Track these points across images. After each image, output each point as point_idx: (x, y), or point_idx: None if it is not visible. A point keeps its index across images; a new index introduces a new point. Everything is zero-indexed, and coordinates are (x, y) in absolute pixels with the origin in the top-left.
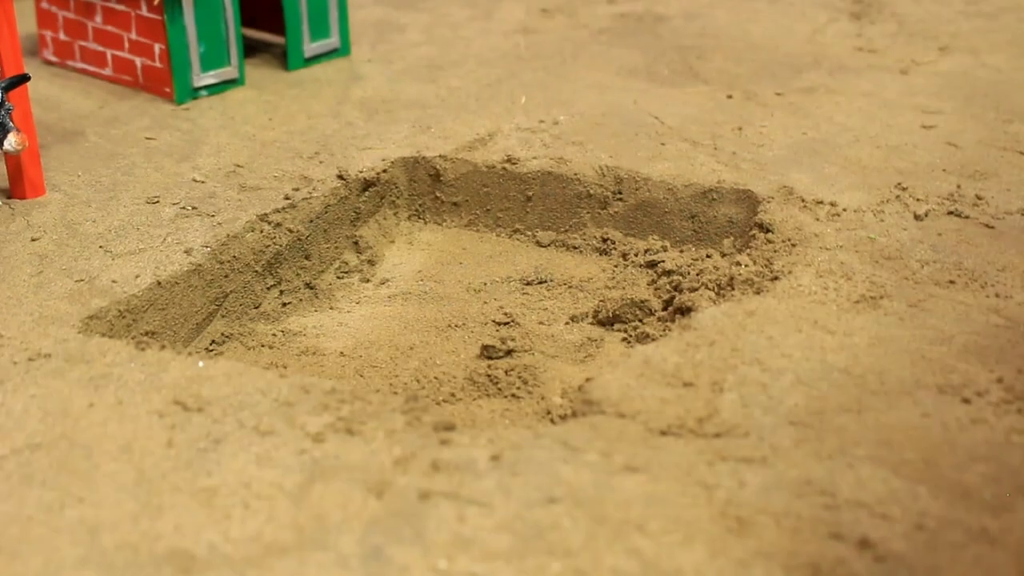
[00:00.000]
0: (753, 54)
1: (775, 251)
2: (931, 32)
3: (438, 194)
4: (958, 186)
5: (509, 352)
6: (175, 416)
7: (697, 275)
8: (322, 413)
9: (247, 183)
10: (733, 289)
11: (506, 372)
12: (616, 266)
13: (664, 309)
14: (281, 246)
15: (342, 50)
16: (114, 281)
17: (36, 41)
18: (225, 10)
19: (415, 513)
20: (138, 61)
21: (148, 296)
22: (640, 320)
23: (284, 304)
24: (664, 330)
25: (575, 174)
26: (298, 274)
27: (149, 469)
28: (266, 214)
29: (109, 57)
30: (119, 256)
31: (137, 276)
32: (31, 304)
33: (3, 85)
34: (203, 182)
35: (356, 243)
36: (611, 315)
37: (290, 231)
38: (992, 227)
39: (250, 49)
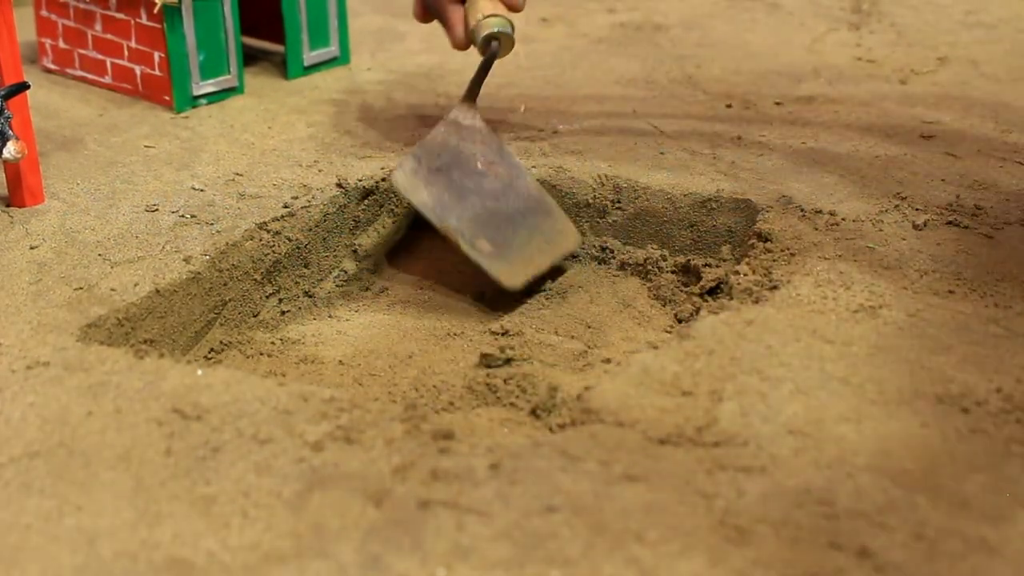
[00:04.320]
0: (752, 63)
1: (774, 260)
2: (930, 42)
3: None
4: (957, 196)
5: (508, 361)
6: (174, 424)
7: (696, 284)
8: (321, 421)
9: (246, 191)
10: (732, 298)
11: (505, 381)
12: (614, 275)
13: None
14: (280, 254)
15: (342, 58)
16: (113, 289)
17: (36, 49)
18: (225, 18)
19: (414, 522)
20: (138, 69)
21: (147, 304)
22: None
23: (283, 312)
24: (663, 339)
25: (574, 183)
26: (297, 282)
27: (147, 477)
28: (265, 222)
29: (109, 65)
30: (118, 264)
31: (136, 284)
32: (29, 312)
33: (2, 93)
34: (202, 190)
35: (355, 251)
36: (610, 324)
37: (289, 239)
38: (991, 237)
39: (250, 57)
